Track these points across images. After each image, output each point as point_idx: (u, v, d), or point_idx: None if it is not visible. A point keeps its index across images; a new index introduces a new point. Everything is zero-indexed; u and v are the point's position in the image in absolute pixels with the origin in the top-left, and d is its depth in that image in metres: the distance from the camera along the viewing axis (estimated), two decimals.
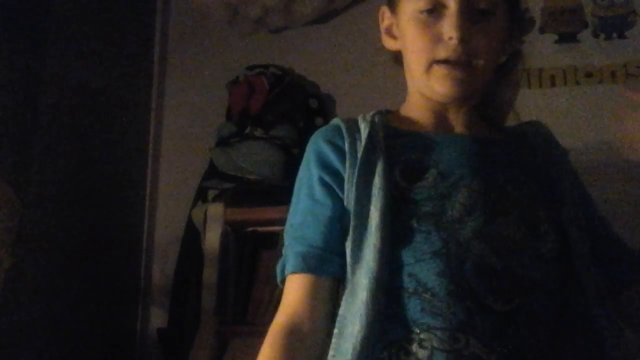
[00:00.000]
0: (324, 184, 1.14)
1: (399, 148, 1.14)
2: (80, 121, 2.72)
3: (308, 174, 1.18)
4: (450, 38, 1.10)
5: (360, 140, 1.14)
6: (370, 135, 1.14)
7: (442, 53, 1.11)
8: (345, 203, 1.11)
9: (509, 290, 1.02)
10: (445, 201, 1.07)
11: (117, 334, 2.80)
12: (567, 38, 2.81)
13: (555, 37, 2.82)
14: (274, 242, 2.65)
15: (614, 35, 2.77)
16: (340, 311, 1.06)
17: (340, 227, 1.11)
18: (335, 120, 1.22)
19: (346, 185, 1.12)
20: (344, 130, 1.17)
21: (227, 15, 2.97)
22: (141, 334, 2.88)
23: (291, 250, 1.13)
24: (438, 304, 1.01)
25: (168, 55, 3.16)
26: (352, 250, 1.07)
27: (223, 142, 2.80)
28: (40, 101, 2.51)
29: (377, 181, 1.08)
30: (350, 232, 1.08)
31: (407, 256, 1.04)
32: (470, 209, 1.06)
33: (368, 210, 1.07)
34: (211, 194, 2.76)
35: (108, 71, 2.87)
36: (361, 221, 1.07)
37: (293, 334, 1.10)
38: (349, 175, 1.12)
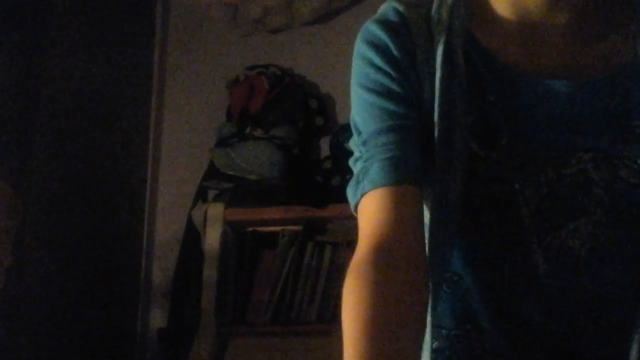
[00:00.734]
0: (386, 73, 0.91)
1: (480, 86, 0.87)
2: (80, 121, 2.72)
3: (361, 64, 0.96)
4: None
5: (433, 55, 0.87)
6: (448, 61, 0.86)
7: None
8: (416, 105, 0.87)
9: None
10: (516, 185, 0.84)
11: (117, 334, 2.80)
12: None
13: None
14: (274, 242, 2.65)
15: None
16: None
17: (419, 124, 0.87)
18: (392, 7, 0.93)
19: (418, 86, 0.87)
20: (408, 18, 0.90)
21: (227, 15, 2.97)
22: (141, 334, 2.88)
23: (372, 157, 0.86)
24: None
25: (168, 55, 3.16)
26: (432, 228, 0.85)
27: (223, 142, 2.80)
28: (40, 101, 2.51)
29: (458, 136, 0.84)
30: (430, 208, 0.86)
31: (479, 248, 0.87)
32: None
33: (449, 179, 0.84)
34: (211, 194, 2.77)
35: (108, 71, 2.87)
36: (440, 189, 0.84)
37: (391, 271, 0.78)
38: (427, 92, 0.86)
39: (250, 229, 2.72)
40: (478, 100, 0.86)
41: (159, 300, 2.86)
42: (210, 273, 2.61)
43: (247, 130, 2.80)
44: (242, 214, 2.66)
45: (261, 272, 2.63)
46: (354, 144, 0.92)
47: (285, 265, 2.58)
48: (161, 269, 2.90)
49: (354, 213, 0.87)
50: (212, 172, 2.78)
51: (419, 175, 0.84)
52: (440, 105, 0.84)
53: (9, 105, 2.35)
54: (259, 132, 2.78)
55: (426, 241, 0.83)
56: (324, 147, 2.89)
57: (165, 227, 2.97)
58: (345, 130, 2.88)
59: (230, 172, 2.74)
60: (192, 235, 2.72)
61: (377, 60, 0.91)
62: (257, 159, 2.71)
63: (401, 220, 0.81)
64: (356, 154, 0.90)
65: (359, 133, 0.91)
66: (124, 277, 2.88)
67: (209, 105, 3.00)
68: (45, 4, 2.55)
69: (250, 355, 2.55)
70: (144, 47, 3.11)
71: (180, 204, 2.86)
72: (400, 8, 0.91)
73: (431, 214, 0.85)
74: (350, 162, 0.91)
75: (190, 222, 2.73)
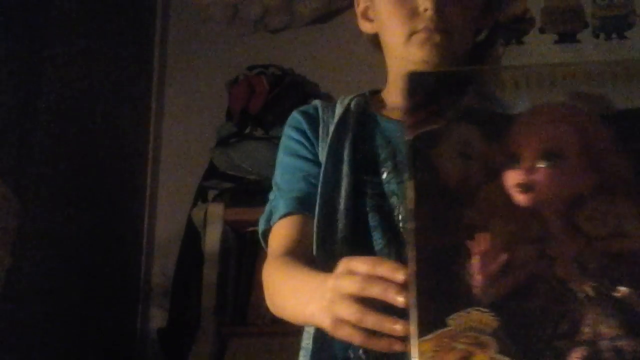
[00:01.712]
0: (300, 143, 1.19)
1: (366, 135, 1.16)
2: (80, 121, 2.72)
3: (285, 138, 1.23)
4: (426, 10, 1.13)
5: (333, 121, 1.18)
6: (341, 120, 1.17)
7: (419, 25, 1.14)
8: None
9: None
10: (394, 199, 1.10)
11: (117, 334, 2.80)
12: (567, 38, 2.81)
13: (555, 37, 2.82)
14: None
15: (614, 35, 2.78)
16: None
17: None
18: (315, 101, 1.27)
19: (319, 154, 1.16)
20: (319, 109, 1.22)
21: (227, 15, 2.97)
22: (141, 334, 2.88)
23: (282, 197, 1.15)
24: None
25: (168, 56, 3.16)
26: (318, 237, 1.09)
27: (223, 142, 2.80)
28: (40, 101, 2.51)
29: (345, 169, 1.11)
30: (316, 221, 1.09)
31: (366, 244, 1.08)
32: None
33: (337, 197, 1.10)
34: (211, 194, 2.77)
35: (108, 71, 2.87)
36: (329, 208, 1.10)
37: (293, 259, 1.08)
38: (322, 148, 1.16)
39: (250, 229, 2.71)
40: (365, 146, 1.15)
41: (159, 300, 2.86)
42: (210, 273, 2.61)
43: (247, 130, 2.80)
44: (242, 214, 2.66)
45: (261, 272, 2.63)
46: (271, 194, 1.20)
47: None
48: (161, 269, 2.90)
49: (262, 242, 1.19)
50: (212, 172, 2.78)
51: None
52: (329, 147, 1.13)
53: (9, 105, 2.35)
54: (259, 132, 2.78)
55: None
56: None
57: (165, 227, 2.97)
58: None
59: (230, 172, 2.74)
60: (192, 235, 2.72)
61: (294, 134, 1.20)
62: (257, 159, 2.71)
63: (300, 239, 1.09)
64: (271, 198, 1.19)
65: (277, 185, 1.19)
66: (124, 277, 2.88)
67: (209, 105, 3.00)
68: (45, 4, 2.55)
69: (250, 355, 2.55)
70: (144, 47, 3.11)
71: (180, 204, 2.86)
72: (317, 103, 1.24)
73: (319, 227, 1.08)
74: (266, 207, 1.19)
75: (190, 222, 2.74)
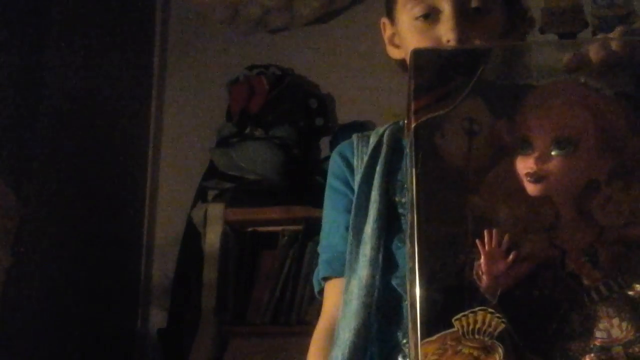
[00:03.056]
0: (339, 192, 1.22)
1: (398, 162, 1.17)
2: (80, 121, 2.72)
3: (327, 187, 1.25)
4: (449, 41, 1.11)
5: (367, 154, 1.20)
6: (374, 149, 1.19)
7: None
8: None
9: None
10: None
11: (117, 334, 2.80)
12: (567, 38, 2.81)
13: (555, 37, 2.82)
14: (274, 242, 2.65)
15: None
16: (338, 316, 1.10)
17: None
18: (353, 136, 1.28)
19: (355, 187, 1.18)
20: (354, 144, 1.24)
21: (227, 15, 2.97)
22: (141, 334, 2.88)
23: (320, 258, 1.20)
24: None
25: (168, 56, 3.16)
26: (348, 261, 1.11)
27: (223, 142, 2.80)
28: (40, 101, 2.51)
29: (374, 195, 1.13)
30: (348, 245, 1.12)
31: (398, 266, 1.08)
32: None
33: (364, 223, 1.12)
34: (211, 194, 2.77)
35: (108, 71, 2.87)
36: (357, 233, 1.12)
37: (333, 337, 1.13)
38: (356, 181, 1.18)
39: (250, 229, 2.72)
40: (397, 173, 1.15)
41: (159, 300, 2.86)
42: (210, 273, 2.61)
43: (247, 130, 2.80)
44: (242, 214, 2.66)
45: (261, 272, 2.63)
46: (319, 247, 1.24)
47: (285, 265, 2.58)
48: (161, 269, 2.90)
49: (318, 297, 1.22)
50: (212, 172, 2.78)
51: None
52: (361, 177, 1.16)
53: (9, 105, 2.35)
54: (259, 132, 2.78)
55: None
56: (324, 147, 2.89)
57: (165, 227, 2.97)
58: (346, 130, 2.88)
59: (230, 172, 2.74)
60: (192, 235, 2.72)
61: (334, 183, 1.24)
62: (257, 159, 2.71)
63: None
64: (319, 251, 1.23)
65: (320, 239, 1.23)
66: (124, 277, 2.88)
67: (209, 105, 3.00)
68: (45, 4, 2.55)
69: (250, 355, 2.55)
70: (144, 47, 3.11)
71: (180, 204, 2.86)
72: (354, 138, 1.26)
73: (349, 252, 1.12)
74: (319, 248, 1.23)
75: (190, 222, 2.74)
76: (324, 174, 3.00)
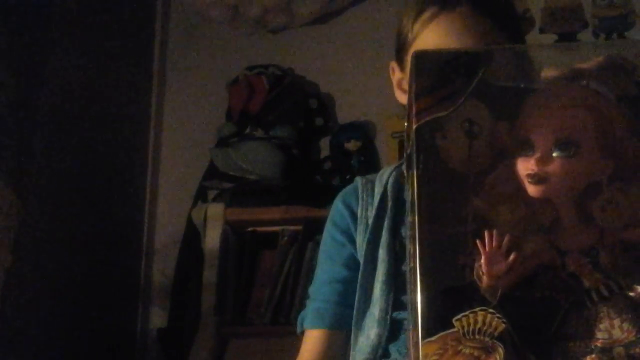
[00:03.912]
0: (339, 243, 1.20)
1: (403, 216, 1.17)
2: (80, 121, 2.72)
3: (326, 234, 1.23)
4: None
5: (372, 205, 1.18)
6: (380, 204, 1.17)
7: None
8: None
9: None
10: None
11: (117, 334, 2.80)
12: (567, 38, 2.81)
13: (555, 37, 2.82)
14: (274, 242, 2.65)
15: (614, 35, 2.78)
16: None
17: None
18: (356, 180, 1.26)
19: (357, 250, 1.17)
20: (359, 192, 1.22)
21: (227, 15, 2.97)
22: (141, 334, 2.88)
23: (309, 305, 1.20)
24: None
25: (168, 55, 3.16)
26: (355, 317, 1.12)
27: (223, 142, 2.80)
28: (40, 101, 2.51)
29: (381, 253, 1.13)
30: (356, 302, 1.13)
31: (398, 337, 1.09)
32: None
33: (372, 282, 1.12)
34: (211, 194, 2.77)
35: (108, 71, 2.87)
36: (365, 292, 1.13)
37: None
38: (360, 242, 1.17)
39: (250, 229, 2.72)
40: (402, 232, 1.14)
41: (159, 300, 2.87)
42: (210, 273, 2.61)
43: (247, 131, 2.80)
44: (242, 214, 2.66)
45: (261, 272, 2.63)
46: (310, 289, 1.24)
47: (285, 265, 2.59)
48: (161, 269, 2.90)
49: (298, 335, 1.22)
50: (212, 172, 2.78)
51: (345, 321, 1.15)
52: (367, 238, 1.14)
53: (9, 105, 2.35)
54: (259, 132, 2.78)
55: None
56: (324, 147, 2.89)
57: (165, 227, 2.97)
58: (346, 131, 2.88)
59: (230, 172, 2.74)
60: (192, 235, 2.72)
61: (335, 233, 1.21)
62: (257, 159, 2.71)
63: (320, 355, 1.17)
64: (311, 288, 1.22)
65: (312, 285, 1.23)
66: (124, 277, 2.88)
67: (209, 105, 3.00)
68: (45, 4, 2.55)
69: (250, 355, 2.55)
70: (144, 47, 3.11)
71: (180, 204, 2.86)
72: (358, 182, 1.23)
73: (356, 311, 1.13)
74: (309, 290, 1.23)
75: (190, 222, 2.74)
76: (324, 174, 3.01)
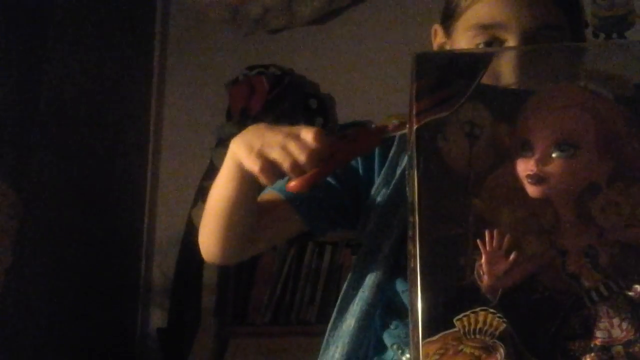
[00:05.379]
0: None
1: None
2: (80, 121, 2.72)
3: None
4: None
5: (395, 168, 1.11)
6: (391, 160, 1.11)
7: None
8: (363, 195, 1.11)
9: None
10: None
11: (117, 334, 2.80)
12: None
13: None
14: None
15: (614, 35, 2.78)
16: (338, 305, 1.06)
17: (350, 194, 1.10)
18: None
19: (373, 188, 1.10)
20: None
21: (227, 15, 2.97)
22: (141, 334, 2.88)
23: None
24: None
25: (168, 55, 3.16)
26: (356, 266, 1.07)
27: (223, 142, 2.80)
28: (40, 101, 2.51)
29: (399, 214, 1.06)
30: (359, 254, 1.07)
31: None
32: None
33: (384, 241, 1.06)
34: None
35: (108, 71, 2.87)
36: (373, 247, 1.06)
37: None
38: (377, 184, 1.10)
39: None
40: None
41: (159, 300, 2.86)
42: (210, 273, 2.61)
43: None
44: None
45: (261, 272, 2.63)
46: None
47: (285, 265, 2.59)
48: (161, 269, 2.90)
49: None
50: (212, 172, 2.78)
51: (308, 209, 1.08)
52: (386, 187, 1.08)
53: (9, 105, 2.35)
54: None
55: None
56: None
57: (165, 227, 2.97)
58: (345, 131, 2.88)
59: None
60: (192, 235, 2.71)
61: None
62: None
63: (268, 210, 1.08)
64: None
65: None
66: (124, 277, 2.88)
67: (209, 105, 3.00)
68: (45, 4, 2.55)
69: (250, 355, 2.55)
70: (144, 47, 3.11)
71: (180, 204, 2.86)
72: None
73: (362, 258, 1.06)
74: None
75: (190, 222, 2.74)
76: None
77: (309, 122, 2.85)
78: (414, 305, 0.71)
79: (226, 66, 2.99)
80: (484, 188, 0.73)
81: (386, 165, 1.10)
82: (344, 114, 2.90)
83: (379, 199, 1.08)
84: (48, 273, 2.48)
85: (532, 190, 0.72)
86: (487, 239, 0.71)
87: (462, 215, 0.72)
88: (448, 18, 1.12)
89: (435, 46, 1.17)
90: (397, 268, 1.03)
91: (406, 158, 1.02)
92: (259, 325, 2.55)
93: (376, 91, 2.70)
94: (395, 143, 1.10)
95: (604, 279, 0.70)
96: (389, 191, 1.08)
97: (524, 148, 0.74)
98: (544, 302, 0.70)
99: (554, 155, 0.73)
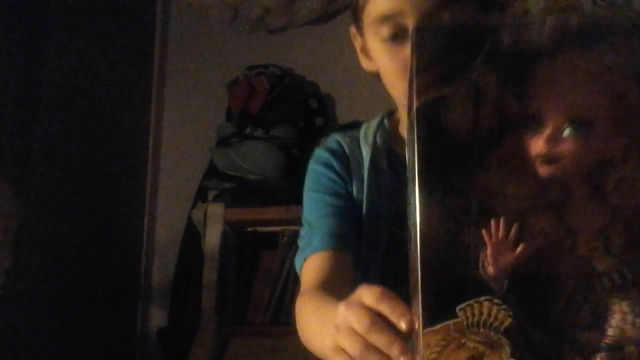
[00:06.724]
0: (331, 180, 1.16)
1: (398, 184, 1.09)
2: (80, 121, 2.72)
3: (313, 176, 1.19)
4: None
5: (363, 166, 1.14)
6: (373, 165, 1.13)
7: None
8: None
9: None
10: None
11: (117, 334, 2.80)
12: None
13: None
14: (274, 242, 2.65)
15: None
16: None
17: (354, 215, 1.12)
18: (334, 135, 1.21)
19: (353, 191, 1.13)
20: (343, 143, 1.19)
21: (227, 15, 2.97)
22: (141, 334, 2.88)
23: (315, 234, 1.10)
24: None
25: (168, 55, 3.16)
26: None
27: (223, 142, 2.80)
28: (40, 101, 2.51)
29: (381, 223, 1.09)
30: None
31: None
32: None
33: (373, 255, 1.08)
34: (211, 194, 2.76)
35: (108, 71, 2.87)
36: (366, 258, 1.09)
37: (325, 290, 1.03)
38: (356, 186, 1.13)
39: (250, 229, 2.72)
40: (400, 194, 1.01)
41: (159, 300, 2.86)
42: (210, 273, 2.61)
43: (247, 130, 2.80)
44: (242, 214, 2.66)
45: (261, 272, 2.63)
46: (302, 231, 1.15)
47: (285, 265, 2.58)
48: (161, 269, 2.90)
49: (300, 277, 1.11)
50: (212, 172, 2.78)
51: (350, 245, 1.08)
52: (367, 202, 1.10)
53: (9, 105, 2.35)
54: (259, 132, 2.78)
55: None
56: None
57: (165, 227, 2.97)
58: (346, 131, 2.88)
59: (230, 172, 2.73)
60: (192, 235, 2.72)
61: (323, 170, 1.17)
62: (257, 159, 2.71)
63: (334, 274, 1.05)
64: (302, 234, 1.14)
65: (307, 222, 1.15)
66: (124, 277, 2.88)
67: (209, 105, 3.00)
68: (45, 3, 2.55)
69: (250, 355, 2.55)
70: (144, 47, 3.11)
71: (180, 204, 2.86)
72: (339, 138, 1.20)
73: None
74: (298, 242, 1.15)
75: (190, 222, 2.73)
76: None
77: (309, 122, 2.85)
78: (415, 290, 0.67)
79: (226, 66, 2.99)
80: (489, 161, 0.69)
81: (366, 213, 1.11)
82: (344, 114, 2.90)
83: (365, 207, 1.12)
84: (48, 273, 2.48)
85: (542, 170, 0.68)
86: (492, 228, 0.67)
87: (466, 190, 0.68)
88: (355, 18, 1.15)
89: (357, 50, 1.22)
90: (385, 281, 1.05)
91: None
92: (259, 325, 2.55)
93: (376, 91, 2.70)
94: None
95: (617, 265, 0.67)
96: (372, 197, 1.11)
97: (533, 122, 0.69)
98: (550, 281, 0.66)
99: (566, 132, 0.69)
